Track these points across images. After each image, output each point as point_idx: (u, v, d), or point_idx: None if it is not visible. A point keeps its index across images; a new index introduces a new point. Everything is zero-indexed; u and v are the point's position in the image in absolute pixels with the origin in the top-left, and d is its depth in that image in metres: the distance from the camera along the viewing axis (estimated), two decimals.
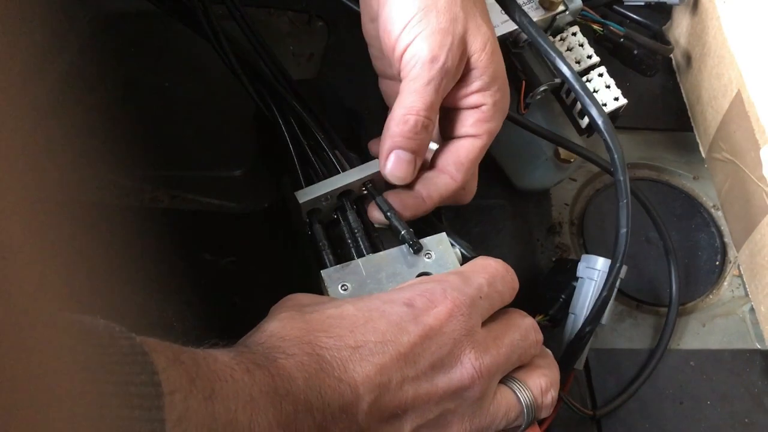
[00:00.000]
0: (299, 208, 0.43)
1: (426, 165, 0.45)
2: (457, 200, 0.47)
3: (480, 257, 0.40)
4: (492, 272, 0.39)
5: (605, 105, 0.52)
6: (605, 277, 0.47)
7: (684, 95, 0.65)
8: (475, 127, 0.44)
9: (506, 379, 0.38)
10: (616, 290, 0.48)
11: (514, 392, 0.37)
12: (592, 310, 0.47)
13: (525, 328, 0.39)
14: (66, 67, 0.45)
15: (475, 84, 0.44)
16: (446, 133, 0.46)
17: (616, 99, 0.53)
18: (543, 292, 0.49)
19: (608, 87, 0.53)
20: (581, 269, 0.48)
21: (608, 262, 0.48)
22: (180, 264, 0.45)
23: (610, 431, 0.50)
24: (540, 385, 0.38)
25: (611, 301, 0.48)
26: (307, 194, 0.44)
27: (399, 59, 0.42)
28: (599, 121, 0.46)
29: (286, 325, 0.34)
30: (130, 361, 0.25)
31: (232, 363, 0.31)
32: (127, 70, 0.51)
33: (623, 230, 0.45)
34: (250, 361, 0.32)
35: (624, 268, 0.48)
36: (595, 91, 0.53)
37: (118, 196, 0.48)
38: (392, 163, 0.43)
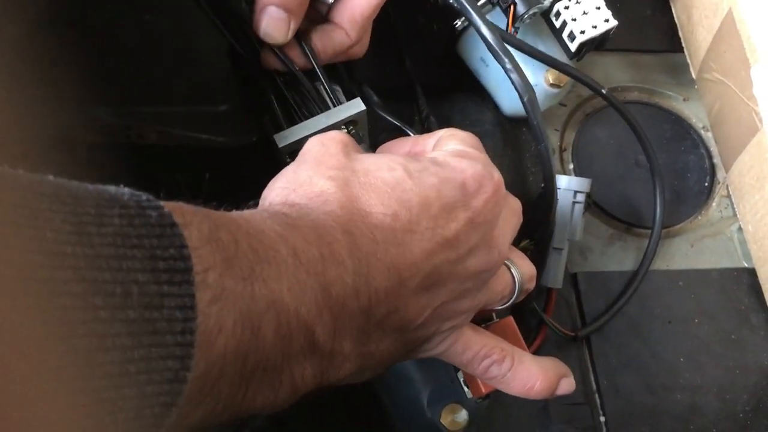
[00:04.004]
0: (279, 151, 0.43)
1: (322, 17, 0.45)
2: (350, 55, 0.46)
3: (452, 130, 0.40)
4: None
5: (595, 27, 0.51)
6: (567, 195, 0.48)
7: (675, 15, 0.64)
8: None
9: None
10: (581, 205, 0.49)
11: (511, 272, 0.39)
12: (548, 226, 0.47)
13: (519, 211, 0.41)
14: (42, 3, 0.44)
15: None
16: None
17: (606, 20, 0.52)
18: (530, 217, 0.50)
19: (598, 8, 0.52)
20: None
21: (571, 179, 0.49)
22: (167, 200, 0.45)
23: (600, 350, 0.51)
24: (529, 271, 0.41)
25: (578, 216, 0.49)
26: (286, 138, 0.42)
27: None
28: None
29: (343, 190, 0.32)
30: (158, 234, 0.23)
31: (279, 241, 0.29)
32: (107, 3, 0.50)
33: (542, 144, 0.45)
34: (300, 237, 0.30)
35: (587, 181, 0.49)
36: (584, 13, 0.52)
37: (104, 134, 0.47)
38: (264, 20, 0.42)
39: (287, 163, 0.43)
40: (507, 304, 0.40)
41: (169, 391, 0.23)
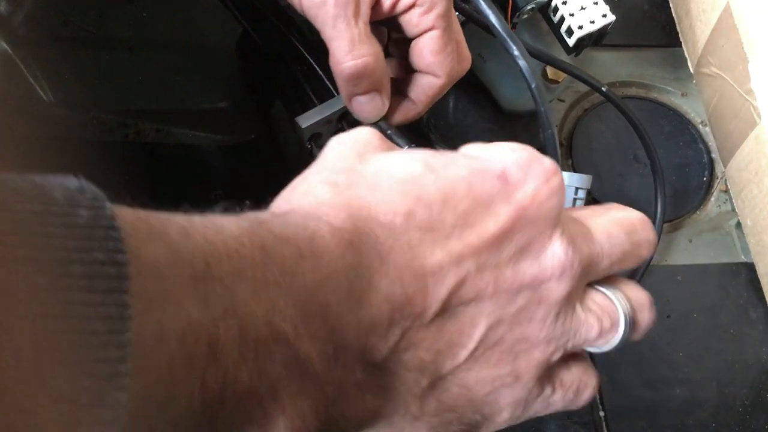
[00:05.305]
0: (301, 133, 0.43)
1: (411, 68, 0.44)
2: (412, 119, 0.45)
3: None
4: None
5: (593, 22, 0.51)
6: (568, 191, 0.48)
7: (672, 10, 0.64)
8: (424, 21, 0.41)
9: (596, 284, 0.30)
10: (581, 201, 0.49)
11: (608, 296, 0.30)
12: None
13: (630, 222, 0.30)
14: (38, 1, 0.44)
15: None
16: (408, 35, 0.43)
17: (604, 16, 0.52)
18: None
19: (596, 3, 0.52)
20: None
21: (572, 175, 0.49)
22: (167, 198, 0.45)
23: None
24: (639, 297, 0.30)
25: None
26: (308, 119, 0.43)
27: (304, 13, 0.40)
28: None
29: (343, 194, 0.27)
30: (87, 236, 0.19)
31: (243, 235, 0.23)
32: (102, 1, 0.50)
33: (549, 131, 0.45)
34: (269, 233, 0.24)
35: (588, 178, 0.49)
36: (582, 9, 0.52)
37: (102, 132, 0.47)
38: (356, 108, 0.42)
39: (308, 149, 0.44)
40: (612, 345, 0.30)
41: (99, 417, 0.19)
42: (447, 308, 0.26)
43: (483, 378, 0.27)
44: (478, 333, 0.26)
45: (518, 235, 0.27)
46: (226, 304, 0.22)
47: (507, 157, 0.28)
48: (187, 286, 0.21)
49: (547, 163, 0.28)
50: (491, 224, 0.26)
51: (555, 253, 0.27)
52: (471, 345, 0.26)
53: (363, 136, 0.30)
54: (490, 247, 0.26)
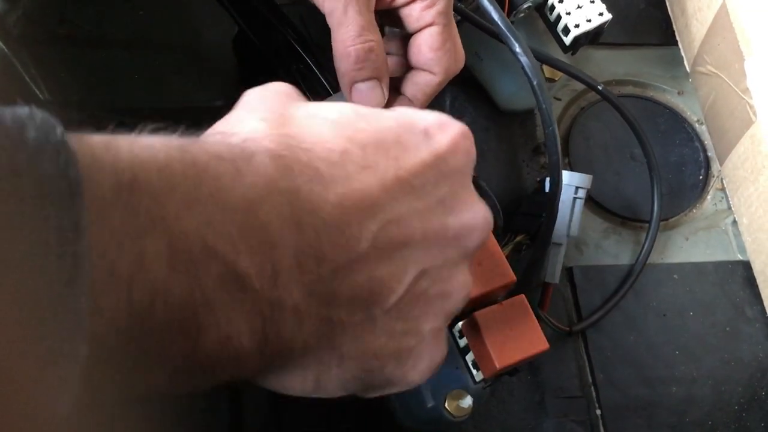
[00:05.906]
0: None
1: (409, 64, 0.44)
2: (450, 75, 0.45)
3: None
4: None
5: (589, 21, 0.51)
6: (569, 190, 0.48)
7: (669, 8, 0.64)
8: (425, 16, 0.42)
9: None
10: (581, 201, 0.48)
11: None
12: (544, 222, 0.47)
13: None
14: None
15: None
16: (406, 30, 0.44)
17: (601, 14, 0.52)
18: (526, 212, 0.50)
19: (592, 2, 0.52)
20: (547, 185, 0.49)
21: (573, 174, 0.49)
22: None
23: (596, 344, 0.51)
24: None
25: (578, 212, 0.49)
26: None
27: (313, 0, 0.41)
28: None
29: (278, 128, 0.27)
30: (36, 151, 0.19)
31: (172, 152, 0.23)
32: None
33: (551, 128, 0.44)
34: (202, 150, 0.24)
35: (588, 177, 0.49)
36: (578, 7, 0.52)
37: (98, 130, 0.47)
38: (356, 97, 0.42)
39: None
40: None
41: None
42: (378, 246, 0.26)
43: (408, 330, 0.28)
44: (407, 278, 0.27)
45: (438, 181, 0.28)
46: (154, 216, 0.22)
47: (429, 117, 0.30)
48: (110, 195, 0.21)
49: (464, 126, 0.31)
50: (413, 160, 0.28)
51: (474, 210, 0.30)
52: (400, 290, 0.27)
53: (283, 87, 0.31)
54: (415, 184, 0.28)
